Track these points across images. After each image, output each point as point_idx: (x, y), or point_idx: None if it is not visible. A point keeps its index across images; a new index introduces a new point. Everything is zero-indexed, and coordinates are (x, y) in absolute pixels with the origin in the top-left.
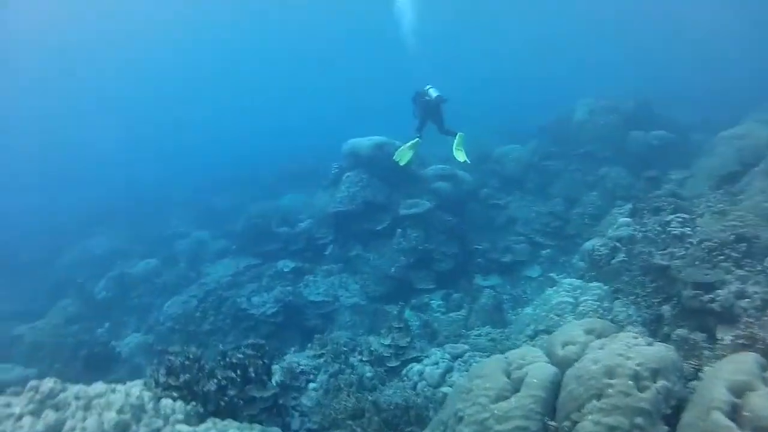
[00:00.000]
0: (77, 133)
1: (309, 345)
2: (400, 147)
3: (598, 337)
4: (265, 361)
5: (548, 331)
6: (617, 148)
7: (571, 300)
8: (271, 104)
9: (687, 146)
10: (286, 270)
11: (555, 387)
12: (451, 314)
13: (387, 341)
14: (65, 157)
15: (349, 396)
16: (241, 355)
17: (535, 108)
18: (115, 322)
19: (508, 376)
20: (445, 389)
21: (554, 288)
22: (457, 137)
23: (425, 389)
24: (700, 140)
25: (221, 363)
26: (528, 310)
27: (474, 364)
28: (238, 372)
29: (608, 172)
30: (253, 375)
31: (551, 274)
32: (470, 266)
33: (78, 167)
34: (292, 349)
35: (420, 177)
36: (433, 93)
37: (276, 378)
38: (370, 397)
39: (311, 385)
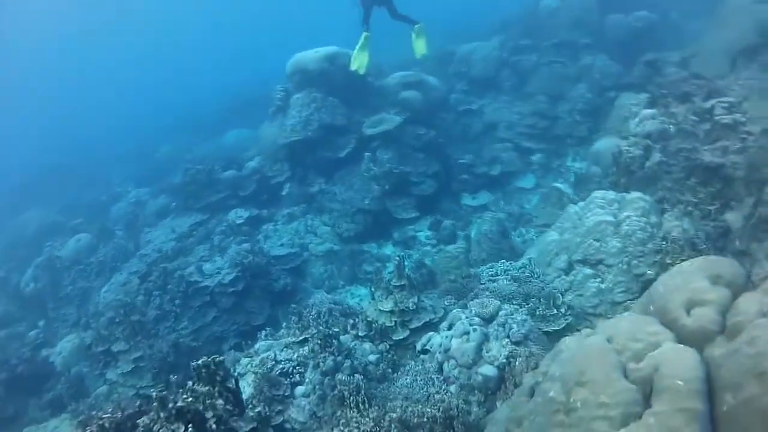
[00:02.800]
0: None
1: (284, 325)
2: (352, 54)
3: (728, 287)
4: (228, 392)
5: (587, 261)
6: (595, 34)
7: (610, 218)
8: (204, 41)
9: (669, 26)
10: (239, 222)
11: (706, 386)
12: (447, 248)
13: (387, 305)
14: None
15: (359, 410)
16: (189, 398)
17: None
18: (51, 319)
19: (626, 375)
20: (485, 370)
21: (580, 204)
22: (415, 28)
23: (458, 373)
24: (678, 18)
25: (160, 413)
26: (553, 234)
27: (529, 348)
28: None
29: (593, 62)
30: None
31: (557, 184)
32: (454, 185)
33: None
34: (263, 332)
35: (381, 88)
36: None
37: (248, 391)
38: (391, 414)
39: (299, 390)
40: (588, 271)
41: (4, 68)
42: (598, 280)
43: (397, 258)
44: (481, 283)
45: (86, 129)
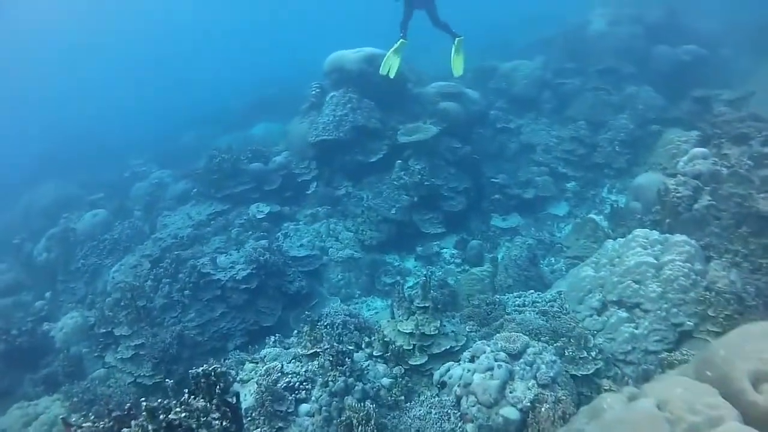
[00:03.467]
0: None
1: (295, 332)
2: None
3: None
4: (227, 406)
5: (623, 303)
6: (640, 63)
7: (651, 260)
8: (242, 35)
9: (718, 62)
10: (259, 216)
11: None
12: (472, 270)
13: (408, 327)
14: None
15: None
16: (183, 413)
17: (523, 21)
18: (58, 291)
19: None
20: (507, 412)
21: (619, 240)
22: (456, 42)
23: (476, 411)
24: (730, 55)
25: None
26: (587, 270)
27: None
28: None
29: (637, 92)
30: None
31: (592, 215)
32: (485, 204)
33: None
34: (272, 337)
35: (420, 96)
36: None
37: (249, 401)
38: None
39: (303, 408)
40: (623, 314)
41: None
42: (633, 325)
43: (424, 276)
44: (507, 313)
45: (112, 115)
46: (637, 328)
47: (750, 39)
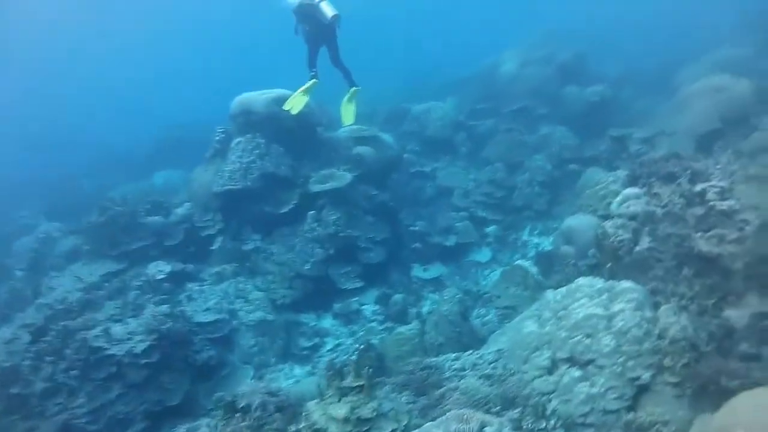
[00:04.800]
0: None
1: (206, 423)
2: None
3: None
4: None
5: (575, 361)
6: (552, 104)
7: (600, 311)
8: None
9: (622, 102)
10: (159, 277)
11: None
12: (400, 329)
13: (341, 411)
14: None
15: None
16: None
17: (442, 61)
18: None
19: None
20: None
21: (560, 291)
22: (351, 91)
23: None
24: (631, 95)
25: None
26: (530, 325)
27: None
28: None
29: (552, 132)
30: None
31: (520, 262)
32: (404, 253)
33: None
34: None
35: (332, 141)
36: (328, 9)
37: None
38: None
39: None
40: (576, 372)
41: None
42: (588, 383)
43: (357, 349)
44: (445, 378)
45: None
46: (593, 387)
47: (648, 81)
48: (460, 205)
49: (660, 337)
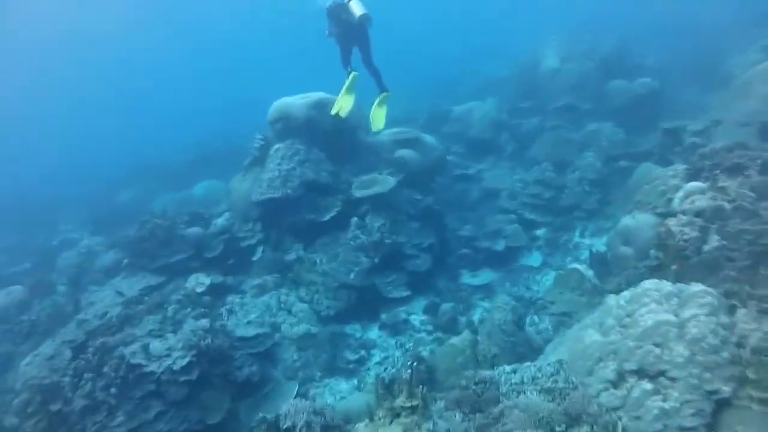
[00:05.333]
0: None
1: None
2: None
3: None
4: None
5: (644, 373)
6: (597, 99)
7: (671, 317)
8: (184, 85)
9: (668, 95)
10: (199, 290)
11: None
12: (452, 340)
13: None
14: None
15: None
16: None
17: (467, 63)
18: None
19: None
20: None
21: (623, 295)
22: (381, 96)
23: None
24: (676, 87)
25: None
26: (592, 334)
27: None
28: None
29: (600, 128)
30: None
31: (576, 265)
32: (451, 260)
33: None
34: None
35: (373, 145)
36: (357, 8)
37: None
38: None
39: None
40: (647, 385)
41: None
42: (660, 397)
43: (410, 368)
44: (502, 392)
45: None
46: (666, 401)
47: (691, 72)
48: (507, 208)
49: (739, 345)
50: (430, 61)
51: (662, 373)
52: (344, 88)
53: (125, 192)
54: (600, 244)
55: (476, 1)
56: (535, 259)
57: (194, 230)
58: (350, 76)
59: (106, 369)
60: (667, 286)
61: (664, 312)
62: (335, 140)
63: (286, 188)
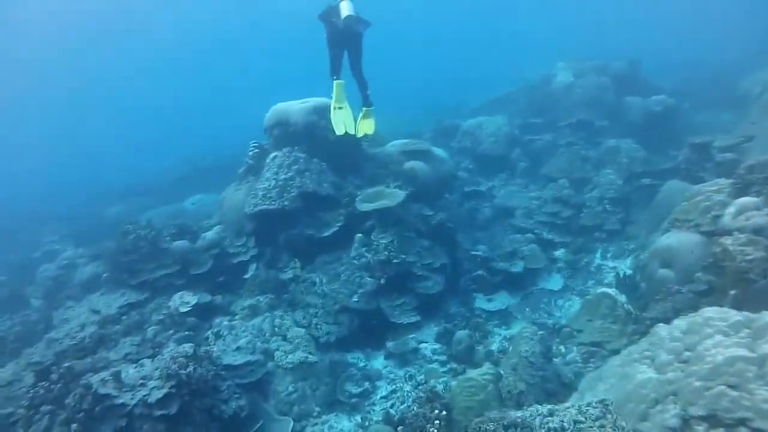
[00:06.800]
0: None
1: None
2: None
3: None
4: None
5: (718, 420)
6: (612, 116)
7: (745, 353)
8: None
9: (683, 112)
10: (184, 310)
11: None
12: (470, 374)
13: None
14: None
15: None
16: None
17: (481, 79)
18: None
19: None
20: None
21: (678, 325)
22: (364, 110)
23: None
24: (691, 106)
25: None
26: (644, 371)
27: None
28: None
29: (618, 145)
30: None
31: (605, 289)
32: (463, 282)
33: None
34: None
35: (379, 156)
36: (345, 9)
37: None
38: None
39: None
40: None
41: None
42: None
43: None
44: None
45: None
46: None
47: (705, 91)
48: (523, 227)
49: None
50: (433, 82)
51: (742, 422)
52: (332, 101)
53: (114, 207)
54: (624, 267)
55: (483, 23)
56: (555, 282)
57: (181, 243)
58: (334, 85)
59: (68, 400)
60: (733, 314)
61: (735, 346)
62: (338, 149)
63: (283, 200)
